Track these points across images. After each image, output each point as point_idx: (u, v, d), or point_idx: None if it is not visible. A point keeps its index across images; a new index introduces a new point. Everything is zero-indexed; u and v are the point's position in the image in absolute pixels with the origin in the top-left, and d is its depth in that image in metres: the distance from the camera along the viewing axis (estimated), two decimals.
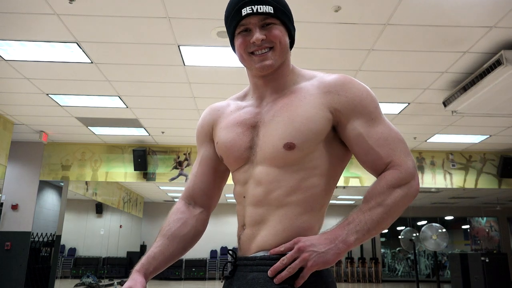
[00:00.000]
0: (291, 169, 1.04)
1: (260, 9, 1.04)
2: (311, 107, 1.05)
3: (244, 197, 1.10)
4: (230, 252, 1.12)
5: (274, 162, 1.04)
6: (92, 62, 4.51)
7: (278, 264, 0.96)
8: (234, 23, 1.08)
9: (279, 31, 1.07)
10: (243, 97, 1.22)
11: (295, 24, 1.18)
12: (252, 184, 1.08)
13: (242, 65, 1.15)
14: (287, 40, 1.10)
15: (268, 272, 0.97)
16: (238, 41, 1.09)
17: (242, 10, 1.05)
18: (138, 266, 1.08)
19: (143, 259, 1.10)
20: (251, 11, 1.04)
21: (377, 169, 1.05)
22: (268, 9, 1.05)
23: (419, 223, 14.70)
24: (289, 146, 1.02)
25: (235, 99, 1.23)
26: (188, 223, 1.18)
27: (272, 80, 1.13)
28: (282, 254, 0.98)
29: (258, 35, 1.05)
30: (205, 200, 1.23)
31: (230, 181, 1.20)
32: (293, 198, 1.03)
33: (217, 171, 1.23)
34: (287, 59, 1.14)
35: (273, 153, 1.04)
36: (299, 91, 1.10)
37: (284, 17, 1.08)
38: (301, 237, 0.99)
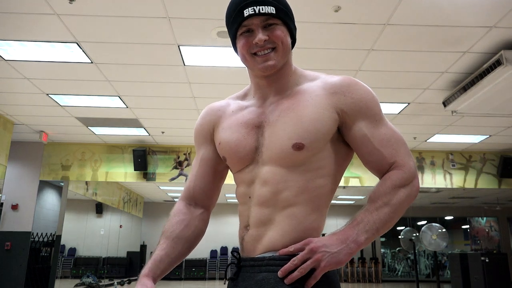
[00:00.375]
0: (299, 169, 1.04)
1: (262, 10, 1.04)
2: (318, 108, 1.05)
3: (249, 197, 1.09)
4: (234, 253, 1.11)
5: (282, 162, 1.05)
6: (92, 62, 4.51)
7: (289, 264, 0.96)
8: (236, 24, 1.07)
9: (281, 32, 1.07)
10: (243, 97, 1.21)
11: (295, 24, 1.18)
12: (258, 184, 1.08)
13: (242, 65, 1.15)
14: (289, 40, 1.10)
15: (278, 272, 0.97)
16: (240, 42, 1.08)
17: (244, 11, 1.05)
18: (146, 271, 1.08)
19: (150, 263, 1.09)
20: (253, 12, 1.04)
21: (381, 170, 1.07)
22: (270, 9, 1.05)
23: (419, 223, 14.70)
24: (298, 147, 1.02)
25: (234, 98, 1.22)
26: (191, 224, 1.18)
27: (275, 80, 1.13)
28: (292, 254, 0.99)
29: (261, 36, 1.04)
30: (205, 200, 1.23)
31: (230, 181, 1.20)
32: (301, 198, 1.04)
33: (217, 171, 1.23)
34: (289, 59, 1.14)
35: (281, 153, 1.04)
36: (304, 92, 1.10)
37: (286, 17, 1.08)
38: (312, 238, 0.99)
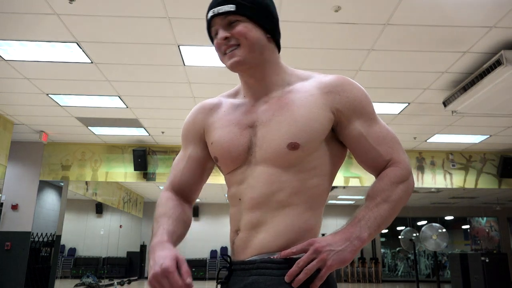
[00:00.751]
0: (293, 169, 1.03)
1: (221, 10, 1.05)
2: (313, 107, 1.04)
3: (240, 199, 1.07)
4: (224, 256, 1.10)
5: (276, 162, 1.03)
6: (92, 62, 4.51)
7: (294, 268, 0.93)
8: (207, 28, 1.12)
9: (243, 27, 1.05)
10: (234, 95, 1.20)
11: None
12: (249, 185, 1.06)
13: None
14: (256, 34, 1.06)
15: (285, 277, 0.94)
16: (214, 44, 1.11)
17: (208, 14, 1.08)
18: (164, 237, 1.00)
19: (165, 233, 1.02)
20: (213, 14, 1.07)
21: (377, 167, 1.08)
22: (229, 7, 1.05)
23: (419, 223, 14.70)
24: (293, 146, 1.01)
25: (226, 97, 1.21)
26: (185, 211, 1.16)
27: (261, 78, 1.11)
28: (289, 258, 0.96)
29: (220, 34, 1.06)
30: (190, 195, 1.21)
31: None
32: (295, 199, 1.02)
33: (205, 169, 1.21)
34: (272, 56, 1.11)
35: (276, 153, 1.03)
36: (297, 91, 1.09)
37: (251, 12, 1.06)
38: (316, 238, 0.97)
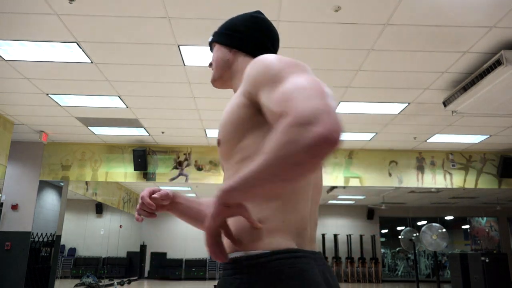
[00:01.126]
0: (229, 164, 1.05)
1: (208, 44, 1.35)
2: (234, 99, 1.06)
3: None
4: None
5: (221, 162, 1.10)
6: (92, 62, 4.51)
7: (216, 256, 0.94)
8: None
9: (214, 52, 1.24)
10: None
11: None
12: None
13: None
14: (219, 54, 1.22)
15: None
16: None
17: None
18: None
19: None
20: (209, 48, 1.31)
21: None
22: (210, 39, 1.28)
23: (419, 223, 14.71)
24: (219, 142, 1.07)
25: None
26: None
27: (237, 88, 1.20)
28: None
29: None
30: None
31: None
32: None
33: None
34: (240, 66, 1.20)
35: (218, 152, 1.11)
36: None
37: (217, 37, 1.24)
38: None
